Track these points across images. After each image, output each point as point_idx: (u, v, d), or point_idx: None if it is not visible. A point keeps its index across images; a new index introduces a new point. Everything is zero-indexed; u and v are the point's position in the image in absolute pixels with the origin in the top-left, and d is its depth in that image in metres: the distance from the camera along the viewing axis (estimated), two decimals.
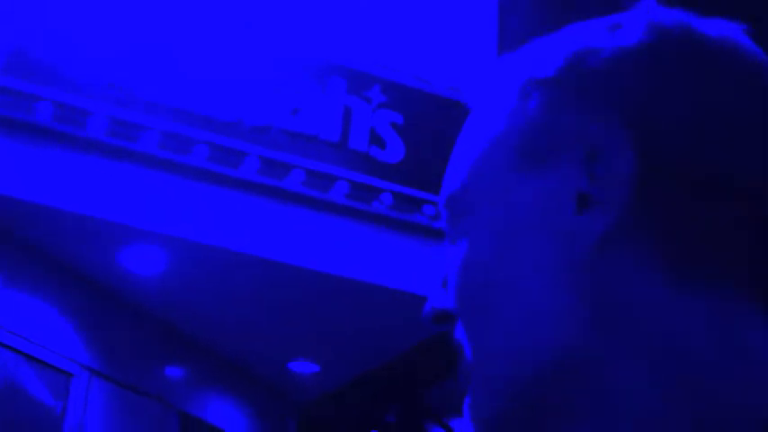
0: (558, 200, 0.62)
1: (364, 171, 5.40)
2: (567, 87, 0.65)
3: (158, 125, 5.01)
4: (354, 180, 5.33)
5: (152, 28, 5.19)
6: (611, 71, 0.63)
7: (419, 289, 5.45)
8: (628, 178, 0.59)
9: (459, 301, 0.68)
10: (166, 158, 5.06)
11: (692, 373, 0.56)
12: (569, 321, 0.60)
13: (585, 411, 0.59)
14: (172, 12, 5.29)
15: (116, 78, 5.02)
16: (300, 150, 5.30)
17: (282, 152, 5.24)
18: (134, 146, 4.98)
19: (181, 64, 5.19)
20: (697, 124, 0.60)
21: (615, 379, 0.58)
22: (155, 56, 5.15)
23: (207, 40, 5.30)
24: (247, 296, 5.82)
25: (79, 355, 5.54)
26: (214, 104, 5.20)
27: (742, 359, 0.57)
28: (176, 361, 6.42)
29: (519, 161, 0.65)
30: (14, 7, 4.90)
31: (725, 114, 0.60)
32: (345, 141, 5.44)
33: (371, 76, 5.62)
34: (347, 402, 7.82)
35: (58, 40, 4.95)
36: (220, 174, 5.16)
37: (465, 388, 0.68)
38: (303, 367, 6.94)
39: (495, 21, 6.31)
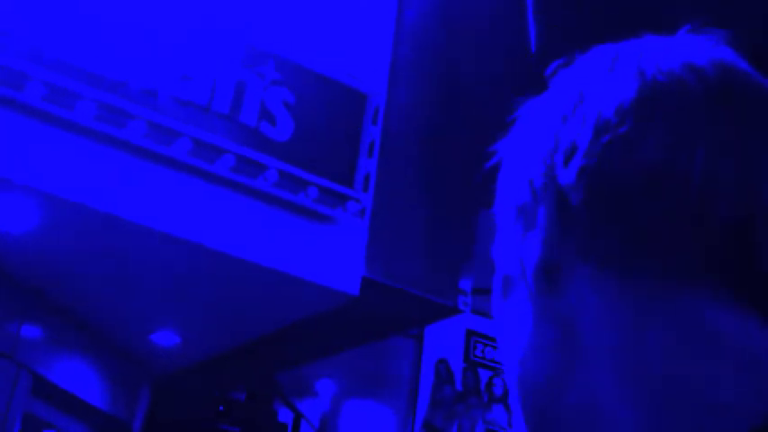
0: (528, 245, 0.69)
1: (252, 146, 5.35)
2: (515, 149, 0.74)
3: (44, 77, 4.83)
4: (241, 154, 5.28)
5: None
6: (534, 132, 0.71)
7: (293, 270, 5.44)
8: (552, 213, 0.66)
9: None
10: (49, 112, 4.89)
11: (654, 376, 0.58)
12: (547, 346, 0.66)
13: (576, 423, 0.63)
14: None
15: (2, 24, 4.82)
16: (189, 119, 5.21)
17: (171, 118, 5.14)
18: (17, 95, 4.79)
19: (73, 17, 5.02)
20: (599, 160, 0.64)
21: (589, 392, 0.62)
22: (45, 5, 4.96)
23: None
24: (116, 262, 5.68)
25: None
26: (104, 62, 5.04)
27: (704, 353, 0.59)
28: (34, 322, 6.21)
29: (516, 218, 0.72)
30: None
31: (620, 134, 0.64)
32: (236, 114, 5.38)
33: (267, 52, 5.58)
34: (202, 378, 7.76)
35: None
36: (104, 133, 5.02)
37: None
38: (165, 339, 6.83)
39: (393, 9, 6.37)
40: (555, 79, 0.75)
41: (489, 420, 9.93)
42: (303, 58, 5.69)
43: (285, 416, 9.80)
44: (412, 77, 6.32)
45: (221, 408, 8.97)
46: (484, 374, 10.25)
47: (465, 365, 10.29)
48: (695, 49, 0.68)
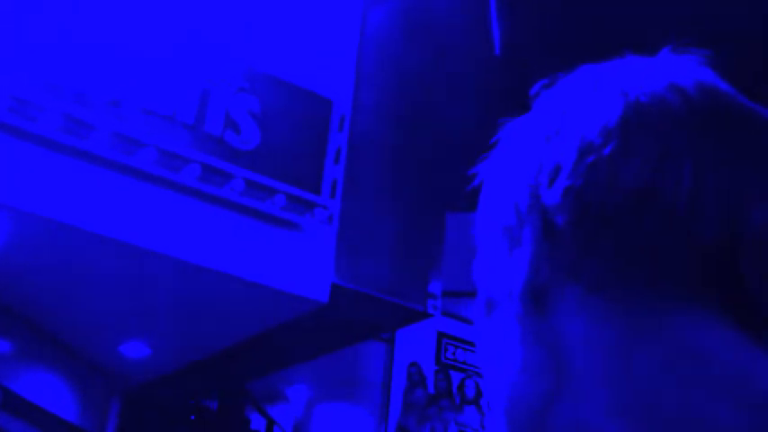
0: (514, 266, 0.68)
1: (218, 155, 5.34)
2: (501, 168, 0.72)
3: (7, 90, 4.79)
4: (207, 163, 5.27)
5: None
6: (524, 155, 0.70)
7: (261, 279, 5.43)
8: (538, 234, 0.65)
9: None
10: (12, 124, 4.84)
11: (643, 394, 0.58)
12: (535, 367, 0.65)
13: None
14: None
15: None
16: (154, 129, 5.19)
17: (135, 129, 5.12)
18: None
19: (35, 29, 4.98)
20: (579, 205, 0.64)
21: (578, 412, 0.61)
22: (4, 18, 4.92)
23: (65, 7, 5.11)
24: (82, 275, 5.63)
25: None
26: (66, 73, 5.01)
27: (694, 371, 0.59)
28: (1, 336, 6.16)
29: (501, 239, 0.71)
30: None
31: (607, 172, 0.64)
32: (201, 124, 5.37)
33: (232, 61, 5.57)
34: (173, 388, 7.72)
35: None
36: (68, 145, 4.98)
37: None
38: (134, 351, 6.79)
39: (358, 16, 6.38)
40: (538, 100, 0.74)
41: (461, 422, 9.95)
42: (269, 66, 5.69)
43: (258, 423, 9.78)
44: (377, 84, 6.33)
45: (193, 417, 8.94)
46: (455, 376, 10.27)
47: (437, 368, 10.31)
48: (678, 70, 0.69)
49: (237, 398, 9.26)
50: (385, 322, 6.65)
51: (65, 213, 4.94)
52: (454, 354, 10.92)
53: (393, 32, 6.52)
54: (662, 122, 0.65)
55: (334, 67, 6.08)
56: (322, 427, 10.40)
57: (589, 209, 0.63)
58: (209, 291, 5.63)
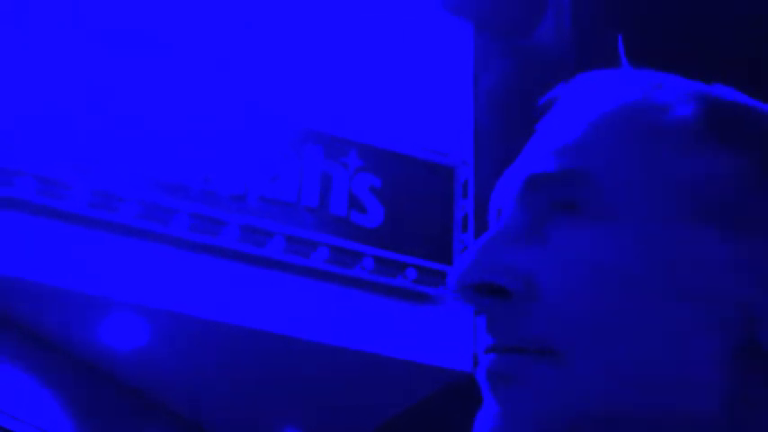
0: (738, 274, 0.58)
1: (345, 236, 5.38)
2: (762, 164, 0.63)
3: (136, 196, 5.00)
4: (335, 245, 5.31)
5: (121, 92, 5.20)
6: None
7: (403, 354, 5.40)
8: None
9: (571, 302, 0.61)
10: (145, 228, 5.03)
11: None
12: (707, 391, 0.57)
13: None
14: (145, 79, 5.31)
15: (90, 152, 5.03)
16: (280, 217, 5.29)
17: (262, 219, 5.23)
18: (111, 216, 4.95)
19: (157, 134, 5.20)
20: None
21: None
22: (130, 124, 5.15)
23: (182, 109, 5.31)
24: (231, 367, 5.75)
25: (61, 430, 5.45)
26: (191, 174, 5.19)
27: None
28: None
29: (696, 215, 0.61)
30: None
31: None
32: (325, 207, 5.44)
33: (348, 141, 5.64)
34: None
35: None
36: (200, 243, 5.13)
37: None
38: None
39: (470, 81, 6.35)
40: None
41: None
42: (383, 140, 5.73)
43: None
44: (496, 144, 6.26)
45: None
46: None
47: None
48: None
49: None
50: None
51: (205, 309, 5.07)
52: None
53: (508, 90, 6.45)
54: None
55: (451, 133, 6.06)
56: None
57: None
58: (353, 371, 5.63)
